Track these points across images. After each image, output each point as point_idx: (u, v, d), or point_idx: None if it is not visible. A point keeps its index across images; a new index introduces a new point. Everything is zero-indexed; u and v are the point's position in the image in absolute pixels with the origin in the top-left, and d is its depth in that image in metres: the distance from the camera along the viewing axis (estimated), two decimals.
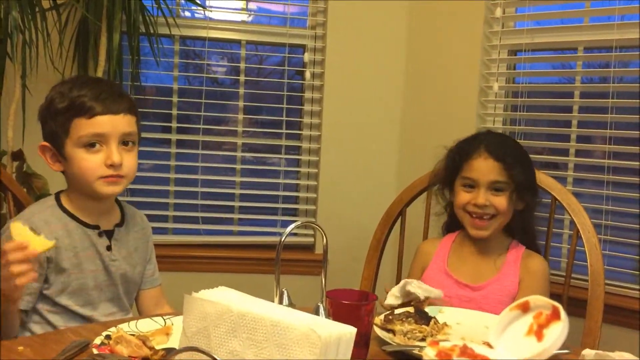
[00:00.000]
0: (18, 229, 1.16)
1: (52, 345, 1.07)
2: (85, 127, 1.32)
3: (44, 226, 1.32)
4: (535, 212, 1.67)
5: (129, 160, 1.37)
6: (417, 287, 1.37)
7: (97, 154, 1.34)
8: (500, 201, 1.57)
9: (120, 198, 1.50)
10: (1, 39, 1.90)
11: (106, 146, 1.34)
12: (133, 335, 1.07)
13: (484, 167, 1.58)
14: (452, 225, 1.73)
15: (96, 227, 1.40)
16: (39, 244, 1.15)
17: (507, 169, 1.57)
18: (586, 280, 1.60)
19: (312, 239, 2.62)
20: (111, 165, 1.33)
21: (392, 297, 1.38)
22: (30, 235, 1.15)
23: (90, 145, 1.33)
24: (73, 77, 1.45)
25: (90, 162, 1.33)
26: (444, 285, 1.58)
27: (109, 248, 1.40)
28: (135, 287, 1.49)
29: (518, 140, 1.86)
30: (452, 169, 1.65)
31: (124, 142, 1.37)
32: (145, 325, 1.19)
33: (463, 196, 1.60)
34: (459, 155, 1.63)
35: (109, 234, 1.42)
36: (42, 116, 1.39)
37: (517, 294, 1.56)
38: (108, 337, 1.08)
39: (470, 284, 1.60)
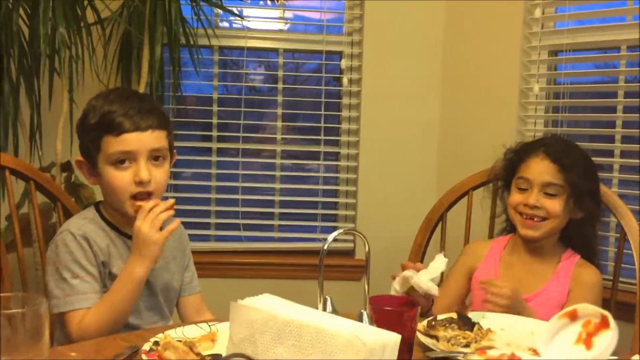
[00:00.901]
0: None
1: (103, 351, 1.10)
2: (113, 144, 1.34)
3: (96, 236, 1.36)
4: (596, 224, 1.61)
5: (158, 175, 1.37)
6: (419, 283, 1.33)
7: (126, 170, 1.35)
8: (553, 204, 1.53)
9: None
10: (49, 55, 1.96)
11: (135, 163, 1.35)
12: (180, 341, 1.10)
13: (539, 167, 1.55)
14: (509, 227, 1.70)
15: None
16: None
17: (563, 172, 1.53)
18: (634, 284, 1.56)
19: (351, 245, 2.62)
20: (140, 182, 1.34)
21: (393, 291, 1.36)
22: None
23: (119, 162, 1.34)
24: (109, 91, 1.47)
25: (119, 180, 1.34)
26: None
27: None
28: (174, 295, 1.51)
29: None
30: (509, 168, 1.64)
31: (154, 157, 1.37)
32: (191, 332, 1.21)
33: (516, 196, 1.58)
34: (517, 155, 1.62)
35: None
36: (78, 130, 1.42)
37: (565, 304, 1.53)
38: (156, 343, 1.11)
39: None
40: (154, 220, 1.31)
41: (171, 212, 1.34)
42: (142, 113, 1.36)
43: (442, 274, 1.36)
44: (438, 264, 1.35)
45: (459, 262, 1.70)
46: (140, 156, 1.35)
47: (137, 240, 1.31)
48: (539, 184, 1.54)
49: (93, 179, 1.41)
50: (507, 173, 1.65)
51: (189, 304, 1.54)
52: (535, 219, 1.55)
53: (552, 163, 1.54)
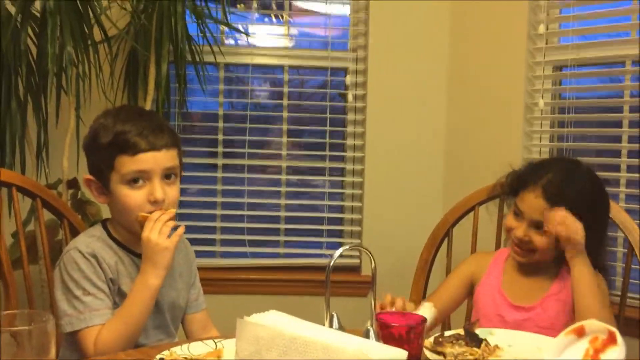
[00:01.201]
0: None
1: None
2: (128, 164, 1.33)
3: (104, 254, 1.36)
4: (595, 247, 1.51)
5: (171, 194, 1.38)
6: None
7: (140, 190, 1.34)
8: (540, 240, 1.50)
9: None
10: (56, 73, 1.98)
11: (149, 182, 1.35)
12: (186, 358, 1.09)
13: (532, 204, 1.50)
14: None
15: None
16: None
17: None
18: None
19: (357, 260, 2.62)
20: (155, 202, 1.34)
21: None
22: None
23: (133, 181, 1.34)
24: (116, 109, 1.47)
25: (133, 199, 1.34)
26: (497, 305, 1.55)
27: None
28: (180, 313, 1.50)
29: None
30: (509, 192, 1.61)
31: (166, 175, 1.37)
32: (197, 349, 1.20)
33: (511, 221, 1.55)
34: (517, 182, 1.57)
35: None
36: (87, 148, 1.42)
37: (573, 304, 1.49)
38: None
39: (524, 305, 1.55)
40: (162, 228, 1.32)
41: (174, 222, 1.35)
42: (156, 132, 1.36)
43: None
44: (423, 311, 1.36)
45: (461, 269, 1.68)
46: (154, 175, 1.35)
47: (147, 250, 1.32)
48: (529, 219, 1.50)
49: (103, 198, 1.40)
50: (507, 193, 1.63)
51: (195, 321, 1.53)
52: (523, 248, 1.53)
53: (546, 202, 1.47)
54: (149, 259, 1.32)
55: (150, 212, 1.35)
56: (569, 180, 1.53)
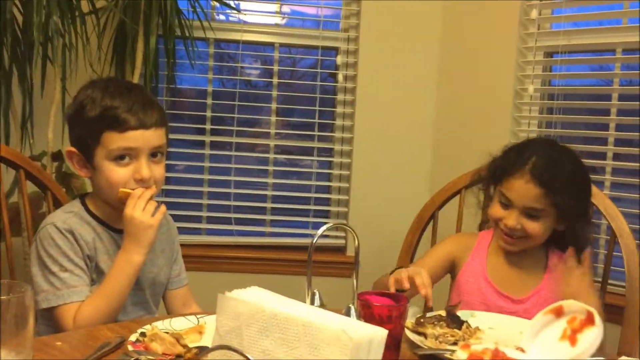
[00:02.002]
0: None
1: (89, 341, 1.09)
2: (116, 140, 1.31)
3: (79, 229, 1.33)
4: (580, 235, 1.49)
5: (157, 172, 1.35)
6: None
7: (126, 167, 1.32)
8: (533, 227, 1.45)
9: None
10: (42, 43, 1.95)
11: (136, 160, 1.32)
12: (167, 333, 1.09)
13: (522, 190, 1.43)
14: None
15: (122, 231, 1.36)
16: None
17: (549, 196, 1.42)
18: (623, 287, 1.56)
19: (343, 241, 2.62)
20: (141, 180, 1.32)
21: None
22: None
23: (119, 157, 1.32)
24: (103, 81, 1.41)
25: (119, 176, 1.32)
26: (482, 292, 1.52)
27: None
28: (161, 289, 1.49)
29: None
30: (492, 179, 1.54)
31: (153, 153, 1.35)
32: (178, 324, 1.20)
33: (497, 210, 1.49)
34: (501, 170, 1.50)
35: None
36: (71, 120, 1.38)
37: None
38: (143, 334, 1.10)
39: (511, 296, 1.51)
40: (145, 206, 1.30)
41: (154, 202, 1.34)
42: (146, 108, 1.33)
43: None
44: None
45: (443, 247, 1.63)
46: (141, 154, 1.32)
47: (130, 227, 1.30)
48: (520, 207, 1.44)
49: (84, 171, 1.37)
50: (489, 180, 1.57)
51: (176, 297, 1.52)
52: (514, 237, 1.47)
53: (537, 187, 1.42)
54: (132, 236, 1.30)
55: (133, 189, 1.32)
56: (556, 157, 1.47)
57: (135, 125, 1.31)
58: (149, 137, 1.33)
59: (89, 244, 1.34)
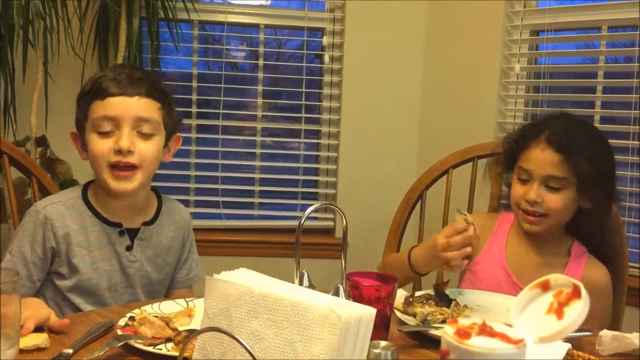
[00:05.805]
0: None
1: (77, 326, 1.09)
2: (97, 109, 1.27)
3: (57, 219, 1.28)
4: (606, 215, 1.44)
5: (143, 148, 1.28)
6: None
7: (109, 138, 1.26)
8: (555, 200, 1.37)
9: None
10: (22, 26, 1.91)
11: (119, 132, 1.26)
12: (156, 316, 1.09)
13: (540, 159, 1.38)
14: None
15: (118, 225, 1.33)
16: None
17: (569, 162, 1.35)
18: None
19: (331, 223, 2.63)
20: (119, 151, 1.25)
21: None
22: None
23: (104, 130, 1.27)
24: (116, 65, 1.43)
25: (100, 146, 1.26)
26: (498, 282, 1.45)
27: (129, 248, 1.34)
28: (161, 288, 1.42)
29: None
30: (509, 157, 1.47)
31: (142, 130, 1.28)
32: (168, 307, 1.20)
33: (517, 189, 1.42)
34: (517, 144, 1.44)
35: (133, 233, 1.34)
36: (76, 102, 1.36)
37: None
38: (132, 318, 1.10)
39: None
40: None
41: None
42: (133, 79, 1.29)
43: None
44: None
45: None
46: (124, 123, 1.26)
47: None
48: (540, 177, 1.38)
49: (85, 154, 1.32)
50: (506, 160, 1.49)
51: (179, 295, 1.42)
52: (537, 215, 1.40)
53: (555, 153, 1.36)
54: None
55: (116, 163, 1.26)
56: (573, 125, 1.42)
57: (115, 92, 1.27)
58: (132, 106, 1.27)
59: (59, 236, 1.28)
